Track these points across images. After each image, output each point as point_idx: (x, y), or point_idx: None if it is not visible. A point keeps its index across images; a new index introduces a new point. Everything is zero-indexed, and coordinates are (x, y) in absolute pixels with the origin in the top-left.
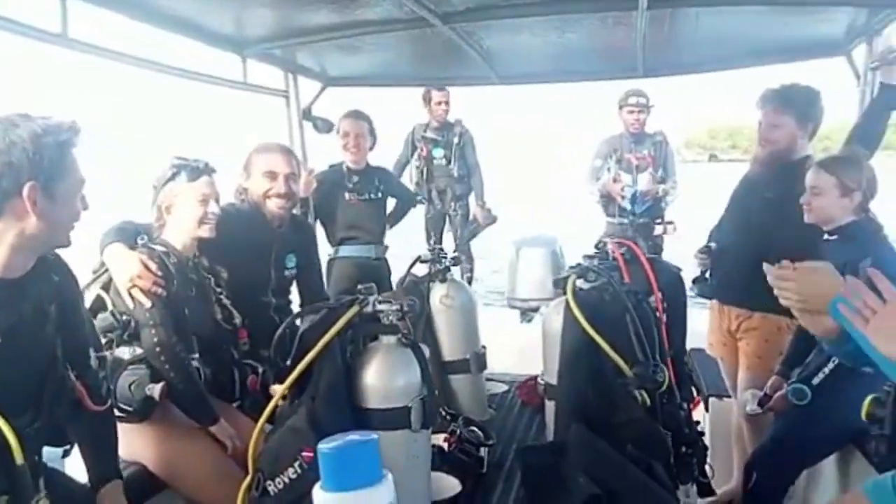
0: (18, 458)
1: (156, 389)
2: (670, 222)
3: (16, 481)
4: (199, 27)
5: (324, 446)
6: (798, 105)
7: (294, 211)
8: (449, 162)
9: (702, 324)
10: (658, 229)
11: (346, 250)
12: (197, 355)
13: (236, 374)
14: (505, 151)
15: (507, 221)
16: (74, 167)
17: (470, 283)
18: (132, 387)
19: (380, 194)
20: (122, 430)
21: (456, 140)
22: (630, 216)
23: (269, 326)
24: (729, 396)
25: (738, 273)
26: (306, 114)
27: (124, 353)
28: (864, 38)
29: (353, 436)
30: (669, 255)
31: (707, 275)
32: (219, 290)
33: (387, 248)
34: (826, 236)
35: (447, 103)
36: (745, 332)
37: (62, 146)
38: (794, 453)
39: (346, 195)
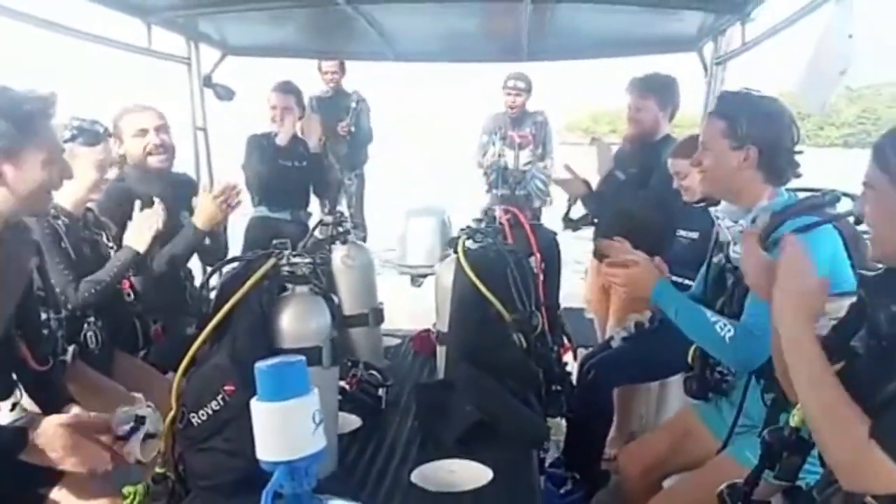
0: None
1: (69, 351)
2: (547, 195)
3: None
4: None
5: (261, 365)
6: (659, 90)
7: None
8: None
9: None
10: (537, 202)
11: (264, 210)
12: (92, 318)
13: (138, 326)
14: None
15: (401, 194)
16: (45, 135)
17: None
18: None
19: (305, 163)
20: None
21: (353, 105)
22: (509, 189)
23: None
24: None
25: (614, 232)
26: (207, 81)
27: None
28: (712, 37)
29: (287, 358)
30: (547, 223)
31: (570, 214)
32: (109, 244)
33: (309, 214)
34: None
35: (336, 73)
36: (618, 288)
37: (32, 115)
38: (630, 367)
39: (272, 161)
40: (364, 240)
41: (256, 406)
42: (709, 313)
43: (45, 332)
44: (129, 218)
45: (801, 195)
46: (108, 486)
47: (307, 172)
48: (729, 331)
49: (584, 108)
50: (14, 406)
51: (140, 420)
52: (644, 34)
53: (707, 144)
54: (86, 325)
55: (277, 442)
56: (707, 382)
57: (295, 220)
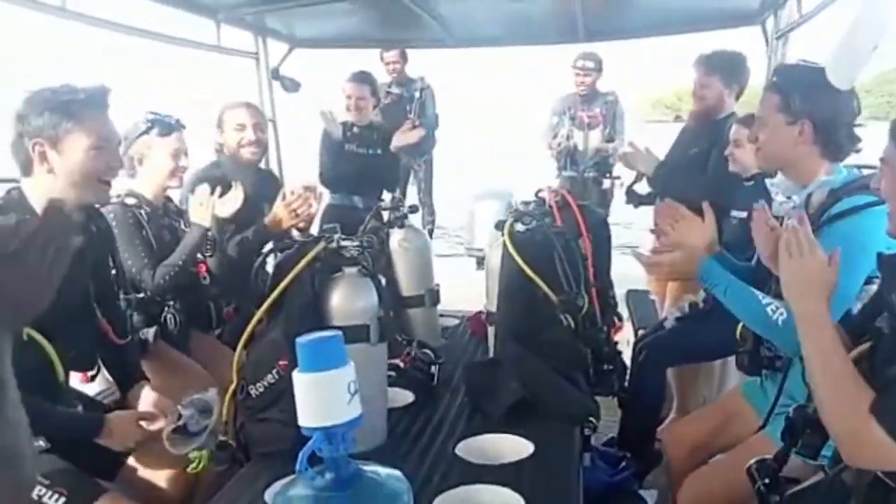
0: (60, 375)
1: (149, 333)
2: (617, 177)
3: (57, 394)
4: None
5: (301, 339)
6: (724, 67)
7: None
8: (413, 115)
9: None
10: (606, 183)
11: (338, 198)
12: (171, 301)
13: (212, 307)
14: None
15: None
16: (89, 124)
17: (431, 233)
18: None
19: (379, 150)
20: None
21: (417, 94)
22: (579, 171)
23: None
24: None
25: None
26: (275, 73)
27: None
28: (773, 10)
29: (324, 333)
30: (618, 206)
31: (633, 187)
32: (187, 230)
33: (382, 201)
34: (745, 183)
35: (397, 62)
36: None
37: (69, 105)
38: (682, 347)
39: (346, 146)
40: (433, 224)
41: (297, 376)
42: (760, 295)
43: (119, 311)
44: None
45: (864, 172)
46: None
47: (380, 160)
48: (781, 314)
49: (670, 85)
50: (93, 378)
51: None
52: (705, 9)
53: (763, 119)
54: (165, 308)
55: (315, 409)
56: (759, 358)
57: (367, 208)
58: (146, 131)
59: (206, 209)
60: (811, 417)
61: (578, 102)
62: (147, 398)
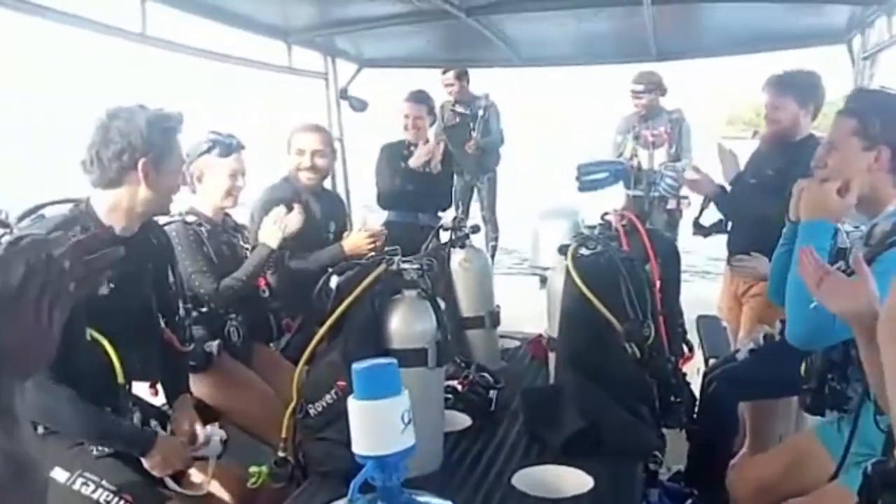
0: (120, 378)
1: (213, 346)
2: (685, 197)
3: (118, 396)
4: (251, 19)
5: (357, 366)
6: (798, 88)
7: None
8: (476, 133)
9: (714, 293)
10: (672, 203)
11: (395, 215)
12: (233, 314)
13: (272, 319)
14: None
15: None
16: (177, 148)
17: (494, 251)
18: (195, 344)
19: (439, 167)
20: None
21: (481, 112)
22: (643, 190)
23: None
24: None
25: (749, 239)
26: (343, 93)
27: None
28: (860, 29)
29: (379, 360)
30: (684, 229)
31: (700, 218)
32: (245, 246)
33: (439, 219)
34: None
35: (452, 84)
36: (750, 297)
37: (168, 131)
38: (755, 381)
39: (404, 167)
40: (496, 241)
41: (352, 403)
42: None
43: (179, 319)
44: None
45: None
46: (235, 465)
47: (437, 179)
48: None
49: (747, 100)
50: (153, 385)
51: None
52: (786, 27)
53: (835, 143)
54: (228, 321)
55: (368, 437)
56: (823, 397)
57: (423, 225)
58: (207, 151)
59: (278, 231)
60: (892, 474)
61: (642, 121)
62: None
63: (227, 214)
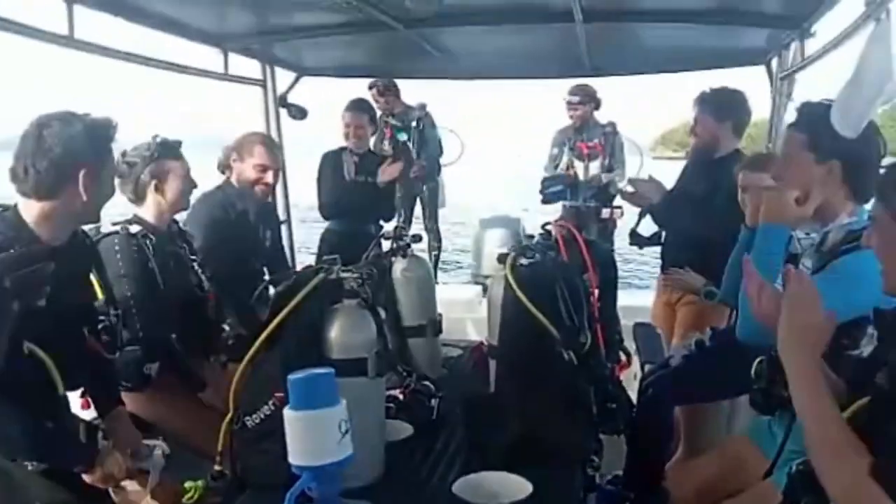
0: (60, 389)
1: (153, 368)
2: (618, 207)
3: (58, 409)
4: (186, 26)
5: (292, 376)
6: (715, 104)
7: None
8: (413, 145)
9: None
10: (605, 213)
11: (336, 224)
12: (174, 335)
13: (213, 332)
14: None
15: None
16: (112, 157)
17: (437, 261)
18: (130, 366)
19: (376, 178)
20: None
21: (414, 124)
22: (581, 201)
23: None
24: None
25: (682, 249)
26: (282, 101)
27: (123, 334)
28: (777, 51)
29: (316, 370)
30: (623, 236)
31: (638, 228)
32: (192, 257)
33: (380, 227)
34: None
35: (376, 101)
36: (683, 305)
37: (106, 139)
38: (688, 386)
39: (344, 175)
40: (439, 251)
41: (288, 413)
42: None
43: (108, 325)
44: (220, 223)
45: None
46: (169, 480)
47: (379, 189)
48: None
49: (680, 120)
50: (83, 394)
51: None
52: (710, 47)
53: (789, 157)
54: (168, 341)
55: (305, 448)
56: (774, 396)
57: (365, 234)
58: (161, 155)
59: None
60: (813, 476)
61: (577, 133)
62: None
63: (174, 221)
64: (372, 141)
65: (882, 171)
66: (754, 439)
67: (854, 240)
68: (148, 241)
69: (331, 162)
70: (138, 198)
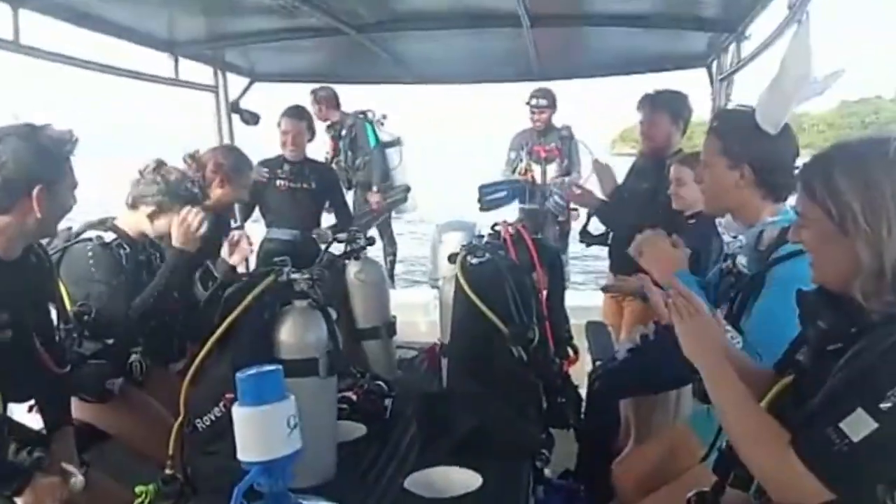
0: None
1: (116, 384)
2: (574, 209)
3: None
4: (136, 31)
5: (240, 374)
6: (670, 105)
7: None
8: (346, 154)
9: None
10: (562, 216)
11: (275, 232)
12: (140, 348)
13: (175, 342)
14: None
15: (436, 207)
16: (71, 171)
17: (393, 265)
18: (93, 380)
19: (313, 185)
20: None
21: (344, 132)
22: (537, 204)
23: None
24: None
25: (623, 249)
26: (234, 107)
27: (87, 348)
28: (717, 54)
29: (264, 367)
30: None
31: (587, 227)
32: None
33: (313, 234)
34: (688, 221)
35: (317, 104)
36: (630, 302)
37: (63, 155)
38: (634, 378)
39: (279, 183)
40: (394, 255)
41: (236, 411)
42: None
43: (58, 339)
44: None
45: None
46: (120, 485)
47: (316, 194)
48: (738, 342)
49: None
50: (31, 408)
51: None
52: (654, 51)
53: (706, 162)
54: (133, 356)
55: (253, 443)
56: None
57: (304, 242)
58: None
59: (189, 231)
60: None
61: (535, 137)
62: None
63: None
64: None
65: (803, 165)
66: (694, 427)
67: (783, 243)
68: (122, 252)
69: (267, 169)
70: (131, 207)
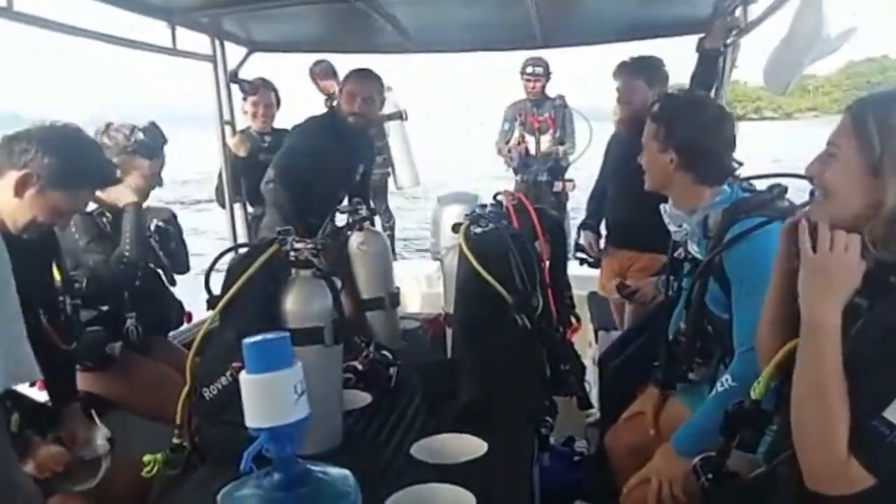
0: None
1: (116, 348)
2: (570, 180)
3: None
4: None
5: (247, 340)
6: (648, 71)
7: None
8: None
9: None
10: (558, 186)
11: (261, 207)
12: (133, 313)
13: (172, 310)
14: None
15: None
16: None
17: (392, 240)
18: (93, 346)
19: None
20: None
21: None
22: (533, 175)
23: None
24: (616, 329)
25: (626, 219)
26: (233, 77)
27: (83, 316)
28: (723, 18)
29: (271, 334)
30: (575, 207)
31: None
32: (149, 233)
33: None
34: None
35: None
36: (635, 272)
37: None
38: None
39: (261, 156)
40: (392, 229)
41: (243, 378)
42: (708, 402)
43: (64, 316)
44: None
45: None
46: (131, 454)
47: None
48: (727, 381)
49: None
50: (33, 384)
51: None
52: (660, 17)
53: (644, 144)
54: (128, 320)
55: (261, 410)
56: (672, 374)
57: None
58: (132, 152)
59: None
60: (748, 412)
61: (529, 108)
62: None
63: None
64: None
65: (857, 100)
66: (682, 396)
67: (733, 222)
68: (105, 219)
69: (242, 143)
70: None
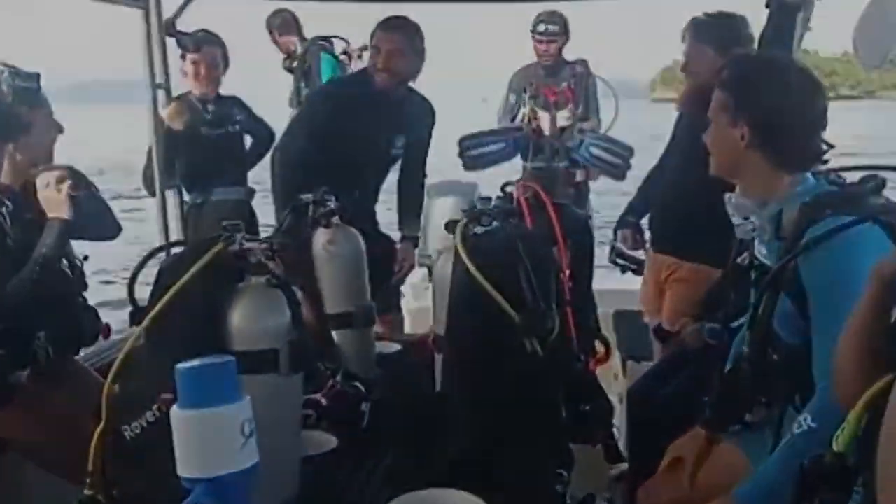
0: None
1: (23, 377)
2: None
3: None
4: None
5: (181, 366)
6: (717, 34)
7: None
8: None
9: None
10: (579, 175)
11: (201, 194)
12: (42, 333)
13: (85, 320)
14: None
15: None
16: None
17: None
18: None
19: (237, 127)
20: None
21: (296, 63)
22: (545, 160)
23: None
24: (650, 360)
25: (671, 219)
26: (169, 28)
27: None
28: None
29: (211, 359)
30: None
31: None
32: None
33: (252, 190)
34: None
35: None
36: (673, 283)
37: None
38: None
39: (203, 129)
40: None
41: (175, 414)
42: (781, 450)
43: None
44: None
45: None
46: None
47: (240, 139)
48: (806, 422)
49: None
50: None
51: None
52: None
53: (711, 118)
54: (35, 340)
55: (198, 455)
56: (726, 413)
57: (239, 200)
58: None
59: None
60: (830, 469)
61: (541, 76)
62: None
63: (31, 183)
64: None
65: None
66: (741, 445)
67: (815, 220)
68: (4, 210)
69: (179, 113)
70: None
